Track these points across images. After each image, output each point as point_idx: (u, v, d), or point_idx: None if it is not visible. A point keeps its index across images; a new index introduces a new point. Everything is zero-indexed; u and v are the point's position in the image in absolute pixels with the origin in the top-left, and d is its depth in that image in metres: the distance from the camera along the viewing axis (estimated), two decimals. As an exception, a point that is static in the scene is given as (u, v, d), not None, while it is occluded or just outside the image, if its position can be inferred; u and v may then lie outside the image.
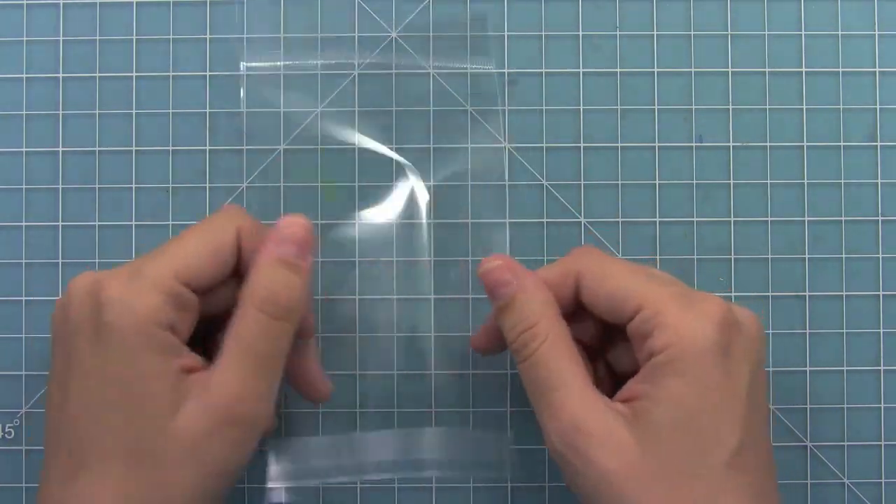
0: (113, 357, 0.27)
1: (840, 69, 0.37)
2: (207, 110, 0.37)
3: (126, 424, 0.27)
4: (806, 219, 0.37)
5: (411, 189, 0.37)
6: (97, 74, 0.38)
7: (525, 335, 0.29)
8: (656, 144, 0.37)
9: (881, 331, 0.37)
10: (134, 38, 0.38)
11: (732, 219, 0.37)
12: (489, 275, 0.30)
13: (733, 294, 0.37)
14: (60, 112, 0.37)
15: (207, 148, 0.37)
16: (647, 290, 0.29)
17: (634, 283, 0.29)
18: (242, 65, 0.33)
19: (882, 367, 0.37)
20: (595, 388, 0.28)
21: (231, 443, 0.28)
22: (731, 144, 0.37)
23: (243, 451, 0.28)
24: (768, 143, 0.37)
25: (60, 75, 0.38)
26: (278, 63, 0.36)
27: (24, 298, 0.37)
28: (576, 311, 0.31)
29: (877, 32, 0.37)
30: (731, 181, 0.37)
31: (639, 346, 0.29)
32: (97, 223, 0.37)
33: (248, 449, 0.28)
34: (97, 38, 0.38)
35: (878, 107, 0.37)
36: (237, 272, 0.30)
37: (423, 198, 0.37)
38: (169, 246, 0.29)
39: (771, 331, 0.37)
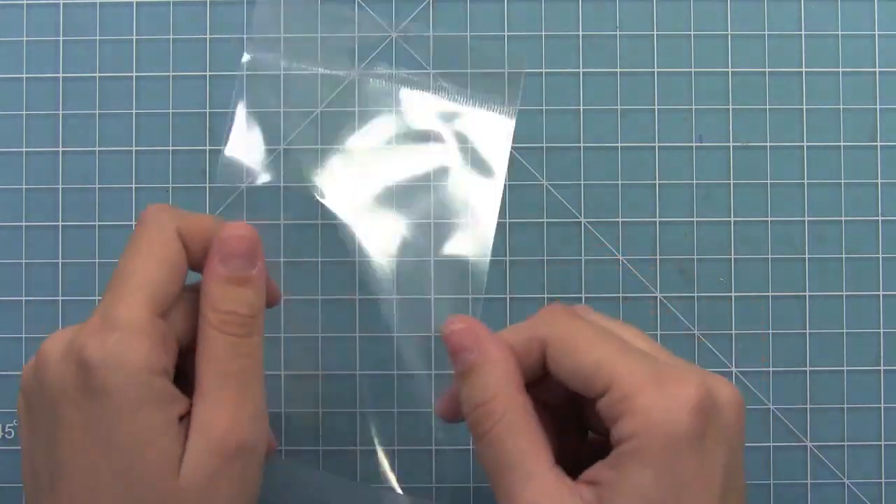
0: (111, 422, 0.25)
1: (840, 69, 0.37)
2: (207, 110, 0.37)
3: (129, 493, 0.25)
4: (806, 219, 0.37)
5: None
6: (97, 74, 0.38)
7: (480, 411, 0.27)
8: (656, 144, 0.37)
9: (881, 331, 0.37)
10: (134, 38, 0.38)
11: (732, 219, 0.37)
12: (451, 337, 0.28)
13: (733, 294, 0.37)
14: (60, 112, 0.37)
15: (207, 148, 0.37)
16: (618, 367, 0.26)
17: (604, 358, 0.26)
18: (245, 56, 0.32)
19: (882, 367, 0.37)
20: (558, 470, 0.26)
21: (237, 479, 0.26)
22: (731, 144, 0.37)
23: (251, 483, 0.27)
24: (768, 143, 0.37)
25: (60, 75, 0.38)
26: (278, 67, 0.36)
27: (24, 299, 0.37)
28: (545, 373, 0.28)
29: (877, 32, 0.37)
30: (731, 181, 0.37)
31: (608, 425, 0.26)
32: (97, 223, 0.37)
33: (256, 478, 0.27)
34: (97, 38, 0.38)
35: (878, 107, 0.37)
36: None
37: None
38: (125, 278, 0.27)
39: (771, 331, 0.37)
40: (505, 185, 0.37)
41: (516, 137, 0.37)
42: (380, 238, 0.35)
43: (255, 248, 0.28)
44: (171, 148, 0.37)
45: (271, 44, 0.37)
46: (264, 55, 0.36)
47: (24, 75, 0.37)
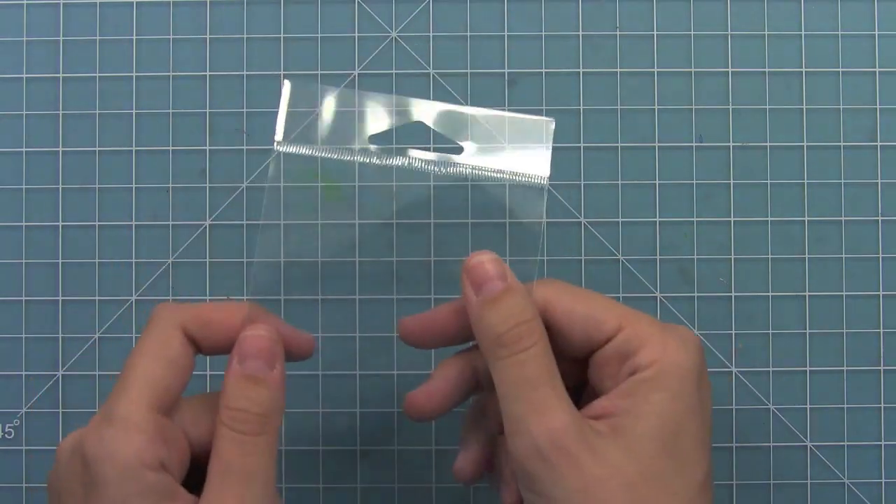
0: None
1: (840, 69, 0.37)
2: (207, 110, 0.37)
3: None
4: (806, 219, 0.37)
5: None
6: (97, 74, 0.38)
7: (521, 328, 0.28)
8: (656, 144, 0.37)
9: (881, 331, 0.37)
10: (134, 38, 0.38)
11: (732, 219, 0.37)
12: (480, 267, 0.29)
13: (733, 294, 0.37)
14: (60, 112, 0.37)
15: (207, 148, 0.37)
16: (627, 313, 0.29)
17: (612, 306, 0.29)
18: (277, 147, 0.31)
19: (882, 367, 0.37)
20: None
21: None
22: (731, 144, 0.37)
23: None
24: (768, 143, 0.37)
25: (60, 75, 0.38)
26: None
27: (24, 298, 0.37)
28: None
29: (877, 32, 0.37)
30: (731, 181, 0.37)
31: (616, 366, 0.28)
32: (97, 223, 0.37)
33: None
34: (97, 38, 0.38)
35: (878, 107, 0.37)
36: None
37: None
38: (128, 377, 0.27)
39: (771, 331, 0.37)
40: (505, 186, 0.37)
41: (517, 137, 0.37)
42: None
43: (275, 351, 0.28)
44: (171, 148, 0.37)
45: (271, 44, 0.37)
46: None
47: (24, 75, 0.37)
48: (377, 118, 0.31)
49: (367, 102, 0.31)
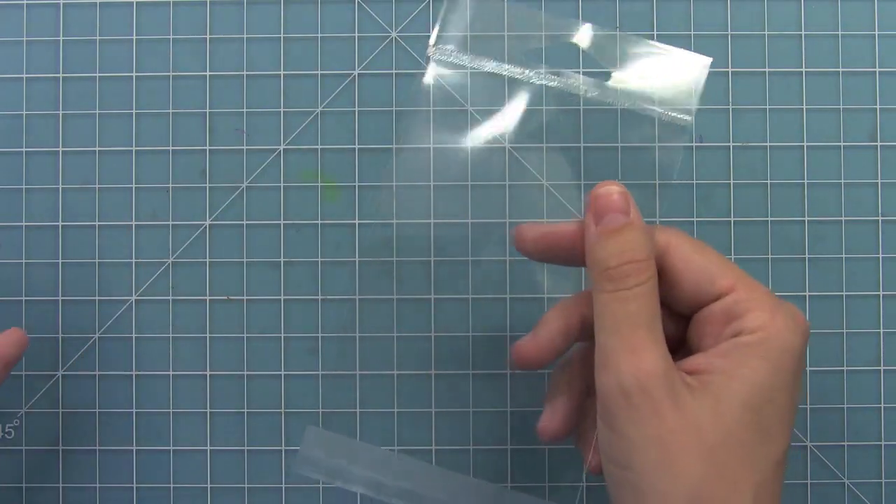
0: None
1: (840, 69, 0.37)
2: (207, 110, 0.37)
3: None
4: (806, 219, 0.37)
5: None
6: (97, 74, 0.38)
7: (633, 266, 0.27)
8: (656, 144, 0.37)
9: (881, 331, 0.37)
10: (134, 38, 0.38)
11: (732, 219, 0.37)
12: (607, 197, 0.28)
13: (733, 294, 0.37)
14: (60, 112, 0.37)
15: (207, 148, 0.37)
16: (742, 276, 0.28)
17: (729, 265, 0.29)
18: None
19: (882, 367, 0.37)
20: None
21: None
22: (731, 144, 0.37)
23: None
24: (768, 143, 0.37)
25: (60, 75, 0.38)
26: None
27: (24, 298, 0.37)
28: None
29: (877, 32, 0.37)
30: (731, 181, 0.37)
31: (719, 325, 0.28)
32: (97, 223, 0.37)
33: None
34: (97, 38, 0.38)
35: (878, 107, 0.37)
36: None
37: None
38: None
39: (771, 331, 0.37)
40: (505, 186, 0.37)
41: (515, 138, 0.37)
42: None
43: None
44: (171, 148, 0.37)
45: (271, 44, 0.37)
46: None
47: (24, 75, 0.37)
48: (530, 35, 0.31)
49: (521, 18, 0.31)
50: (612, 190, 0.28)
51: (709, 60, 0.30)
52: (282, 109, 0.37)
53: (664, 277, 0.29)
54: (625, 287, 0.27)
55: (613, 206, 0.28)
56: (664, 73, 0.31)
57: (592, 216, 0.28)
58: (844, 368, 0.37)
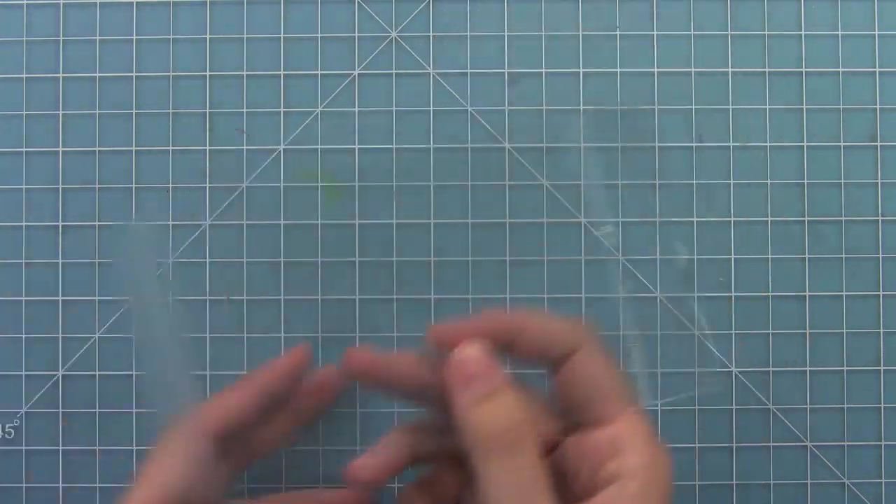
0: None
1: (840, 69, 0.37)
2: (207, 110, 0.37)
3: None
4: (806, 219, 0.37)
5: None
6: (97, 74, 0.38)
7: (522, 428, 0.26)
8: (656, 144, 0.37)
9: (881, 331, 0.37)
10: (134, 38, 0.38)
11: (732, 219, 0.37)
12: (471, 364, 0.27)
13: (733, 294, 0.37)
14: (60, 112, 0.37)
15: (207, 148, 0.37)
16: (632, 407, 0.28)
17: (624, 391, 0.28)
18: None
19: (882, 367, 0.37)
20: None
21: None
22: (731, 144, 0.37)
23: None
24: (768, 143, 0.37)
25: (60, 75, 0.37)
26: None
27: (24, 298, 0.37)
28: None
29: (877, 32, 0.37)
30: (731, 181, 0.37)
31: (599, 457, 0.27)
32: (97, 223, 0.37)
33: None
34: (97, 38, 0.38)
35: (878, 107, 0.37)
36: None
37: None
38: (148, 466, 0.30)
39: (771, 331, 0.37)
40: (505, 186, 0.37)
41: (515, 137, 0.37)
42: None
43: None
44: (171, 148, 0.37)
45: (271, 44, 0.37)
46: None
47: (24, 75, 0.37)
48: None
49: None
50: (471, 356, 0.27)
51: None
52: (282, 109, 0.37)
53: (557, 381, 0.28)
54: (518, 452, 0.26)
55: (483, 372, 0.27)
56: None
57: (457, 384, 0.27)
58: (844, 368, 0.37)
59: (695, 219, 0.37)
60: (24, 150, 0.37)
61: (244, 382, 0.32)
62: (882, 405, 0.37)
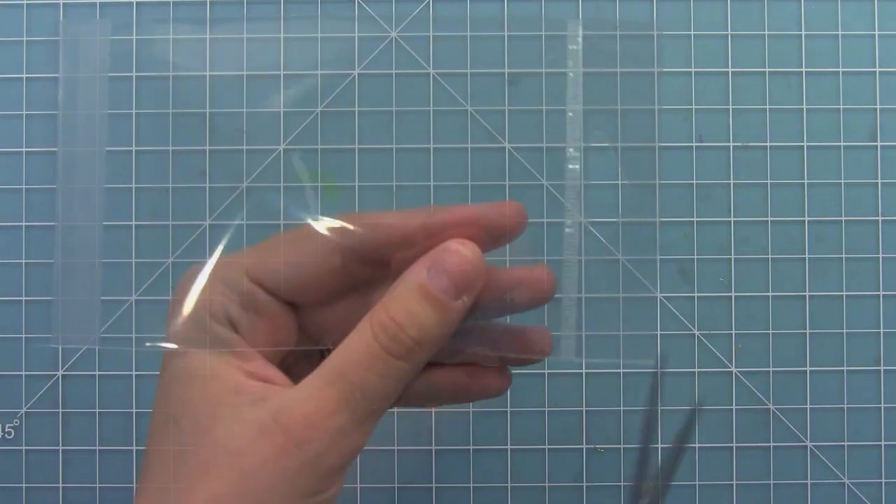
0: (172, 353, 0.24)
1: (840, 69, 0.37)
2: (207, 110, 0.37)
3: (178, 432, 0.23)
4: (806, 219, 0.37)
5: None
6: (97, 74, 0.38)
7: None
8: (656, 144, 0.37)
9: (881, 331, 0.37)
10: (134, 38, 0.38)
11: (732, 219, 0.37)
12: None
13: (733, 294, 0.37)
14: (61, 112, 0.37)
15: (207, 148, 0.37)
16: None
17: None
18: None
19: (882, 367, 0.37)
20: None
21: (285, 473, 0.22)
22: (731, 144, 0.37)
23: (301, 488, 0.23)
24: (768, 143, 0.37)
25: (61, 75, 0.37)
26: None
27: (24, 298, 0.37)
28: None
29: (877, 32, 0.37)
30: (731, 181, 0.37)
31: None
32: (97, 223, 0.37)
33: (308, 487, 0.23)
34: (97, 38, 0.38)
35: (878, 107, 0.37)
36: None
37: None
38: (262, 243, 0.26)
39: (771, 331, 0.37)
40: (505, 186, 0.37)
41: (516, 137, 0.37)
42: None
43: (471, 280, 0.24)
44: (171, 148, 0.37)
45: (271, 44, 0.37)
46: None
47: (24, 75, 0.37)
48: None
49: None
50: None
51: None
52: (282, 109, 0.37)
53: None
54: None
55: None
56: None
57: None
58: (844, 368, 0.37)
59: (695, 219, 0.37)
60: (24, 150, 0.37)
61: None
62: (882, 405, 0.37)
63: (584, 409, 0.37)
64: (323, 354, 0.27)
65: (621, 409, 0.37)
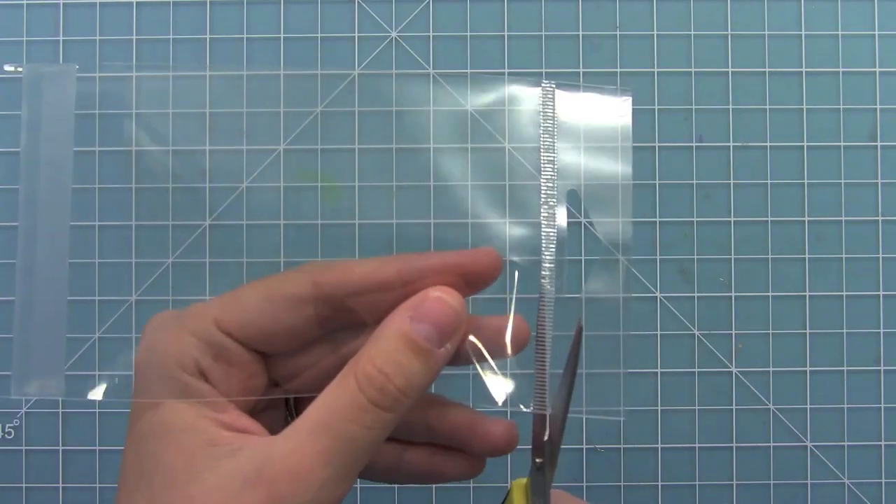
0: (143, 406, 0.24)
1: (840, 69, 0.37)
2: (207, 110, 0.37)
3: (149, 488, 0.23)
4: (806, 219, 0.37)
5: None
6: (97, 74, 0.38)
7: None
8: (656, 144, 0.37)
9: (881, 331, 0.37)
10: (134, 38, 0.38)
11: (732, 219, 0.37)
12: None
13: (733, 294, 0.37)
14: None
15: (207, 148, 0.37)
16: None
17: None
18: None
19: (882, 367, 0.37)
20: None
21: None
22: (731, 144, 0.37)
23: None
24: (768, 143, 0.37)
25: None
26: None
27: (24, 298, 0.37)
28: None
29: (877, 32, 0.37)
30: (731, 181, 0.37)
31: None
32: (97, 223, 0.37)
33: None
34: (97, 38, 0.38)
35: (878, 107, 0.37)
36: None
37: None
38: (231, 292, 0.25)
39: (771, 331, 0.37)
40: (505, 186, 0.37)
41: (514, 137, 0.37)
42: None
43: (454, 326, 0.24)
44: (171, 148, 0.37)
45: (271, 44, 0.37)
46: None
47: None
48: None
49: None
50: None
51: (629, 98, 0.29)
52: (282, 109, 0.37)
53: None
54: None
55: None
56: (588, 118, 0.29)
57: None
58: (844, 368, 0.37)
59: (695, 219, 0.37)
60: (24, 150, 0.37)
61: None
62: (882, 405, 0.37)
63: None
64: (287, 402, 0.27)
65: (621, 408, 0.37)
